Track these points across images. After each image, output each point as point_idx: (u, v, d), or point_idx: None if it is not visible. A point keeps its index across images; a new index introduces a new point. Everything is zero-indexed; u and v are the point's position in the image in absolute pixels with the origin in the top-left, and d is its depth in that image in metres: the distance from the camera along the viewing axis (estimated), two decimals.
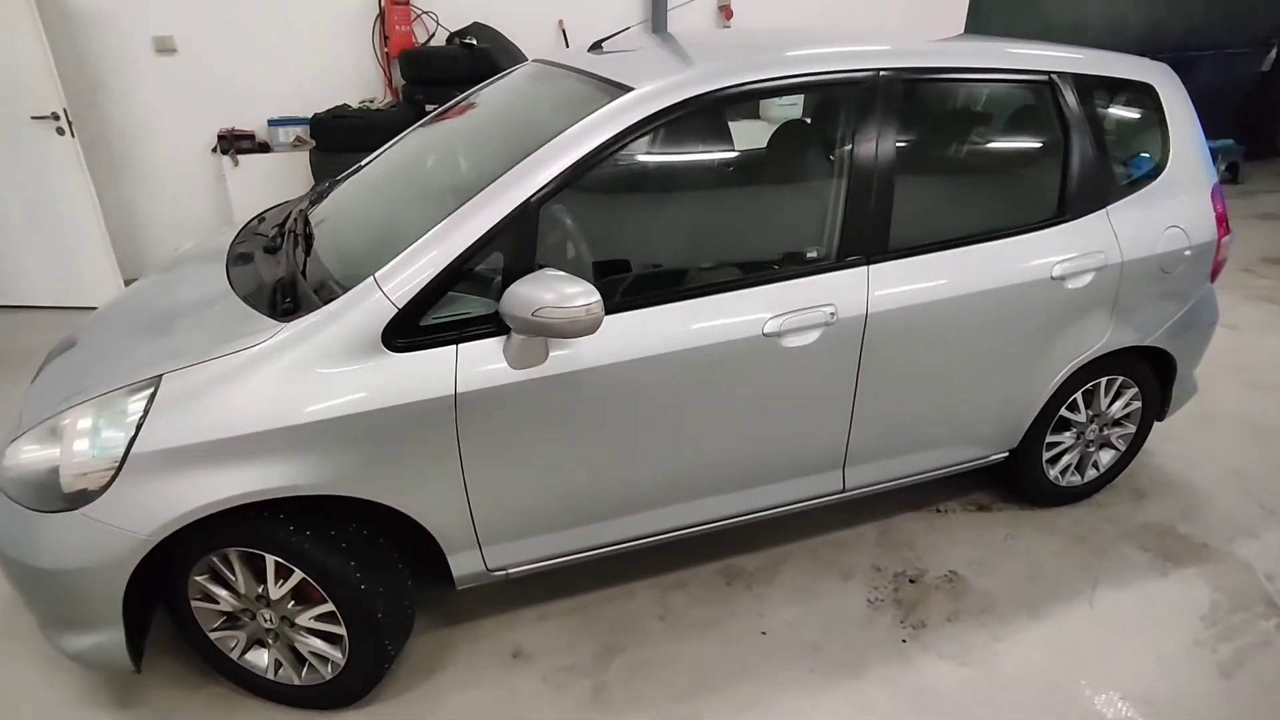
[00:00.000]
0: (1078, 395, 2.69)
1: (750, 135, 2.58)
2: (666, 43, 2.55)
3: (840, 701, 2.12)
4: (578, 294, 1.72)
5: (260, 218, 2.76)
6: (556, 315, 1.72)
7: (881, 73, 2.16)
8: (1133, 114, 2.64)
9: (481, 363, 1.85)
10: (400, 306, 1.78)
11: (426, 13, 5.09)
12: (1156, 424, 2.92)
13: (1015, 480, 2.86)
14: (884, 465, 2.48)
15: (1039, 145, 2.55)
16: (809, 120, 2.70)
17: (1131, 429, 2.88)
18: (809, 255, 2.19)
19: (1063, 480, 2.87)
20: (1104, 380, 2.70)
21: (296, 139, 4.96)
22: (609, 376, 1.95)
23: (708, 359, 2.03)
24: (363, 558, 1.90)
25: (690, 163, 2.34)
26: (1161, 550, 2.70)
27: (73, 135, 4.29)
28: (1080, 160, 2.43)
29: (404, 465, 1.87)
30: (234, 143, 4.89)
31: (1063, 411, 2.69)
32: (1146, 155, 2.60)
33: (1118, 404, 2.79)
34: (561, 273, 1.77)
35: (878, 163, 2.16)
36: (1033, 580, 2.56)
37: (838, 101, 2.25)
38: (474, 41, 4.84)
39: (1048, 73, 2.39)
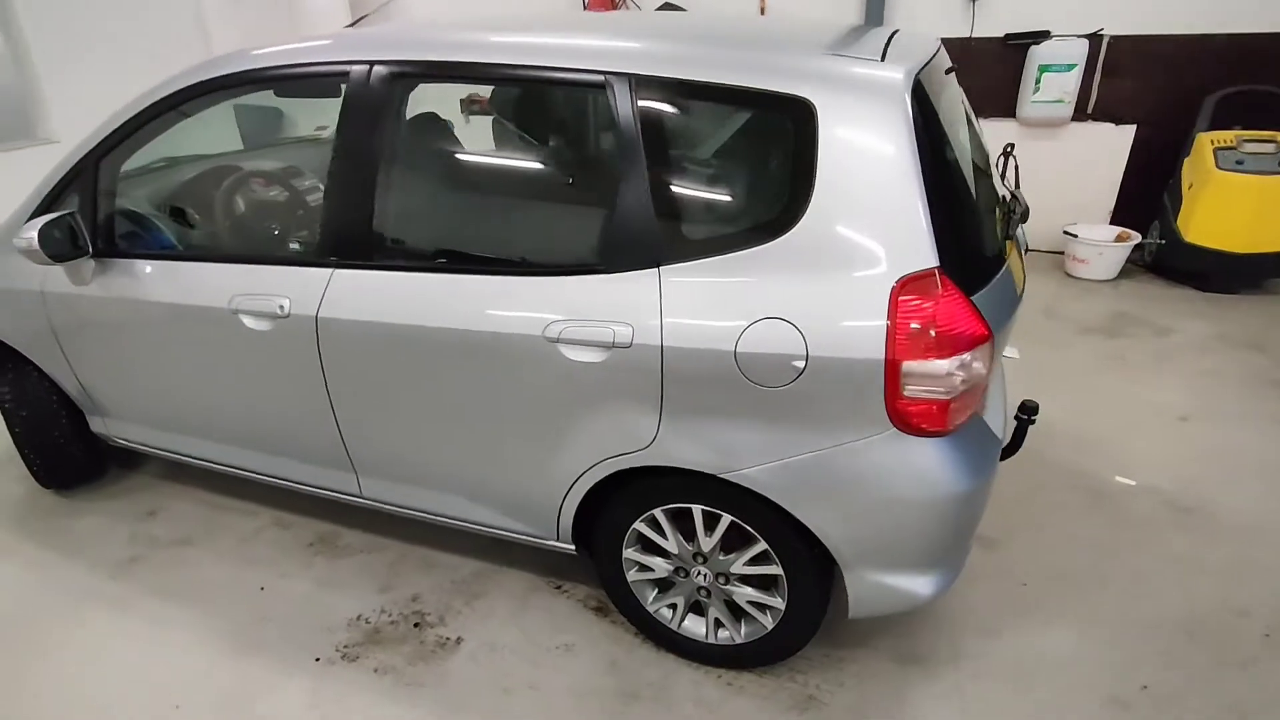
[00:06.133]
0: (657, 513, 1.99)
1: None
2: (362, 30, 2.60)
3: (167, 672, 2.19)
4: (21, 232, 2.20)
5: None
6: (17, 245, 2.24)
7: (374, 67, 1.98)
8: (759, 140, 1.74)
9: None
10: (24, 222, 2.51)
11: None
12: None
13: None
14: (400, 490, 2.30)
15: (583, 170, 1.91)
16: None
17: (779, 603, 1.97)
18: (292, 246, 2.18)
19: (675, 624, 2.14)
20: (697, 509, 1.94)
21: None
22: (115, 307, 2.39)
23: (182, 316, 2.28)
24: (12, 385, 2.75)
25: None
26: None
27: None
28: (627, 195, 1.77)
29: (29, 330, 2.62)
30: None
31: (639, 526, 2.03)
32: (750, 201, 1.71)
33: (738, 555, 1.95)
34: (52, 217, 2.24)
35: (354, 164, 2.02)
36: (506, 695, 2.09)
37: (337, 99, 2.11)
38: None
39: (604, 74, 1.79)
